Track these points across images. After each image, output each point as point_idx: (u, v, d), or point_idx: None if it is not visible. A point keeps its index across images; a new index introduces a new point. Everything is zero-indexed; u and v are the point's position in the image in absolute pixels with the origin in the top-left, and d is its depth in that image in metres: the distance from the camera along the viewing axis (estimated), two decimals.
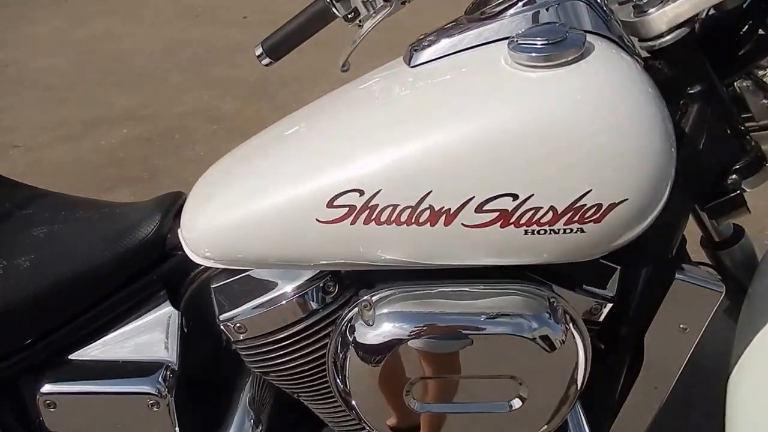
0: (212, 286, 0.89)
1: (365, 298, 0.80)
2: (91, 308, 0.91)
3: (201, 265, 0.90)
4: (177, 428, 0.92)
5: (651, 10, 0.77)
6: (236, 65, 3.31)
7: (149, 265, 0.92)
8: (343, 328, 0.81)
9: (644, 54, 0.82)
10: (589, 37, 0.72)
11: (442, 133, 0.71)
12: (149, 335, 0.92)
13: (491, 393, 0.80)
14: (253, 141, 0.91)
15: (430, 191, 0.70)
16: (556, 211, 0.69)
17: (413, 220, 0.72)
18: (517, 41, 0.72)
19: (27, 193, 1.05)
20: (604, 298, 0.84)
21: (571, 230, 0.71)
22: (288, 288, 0.87)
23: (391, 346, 0.77)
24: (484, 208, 0.70)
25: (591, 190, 0.68)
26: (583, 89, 0.70)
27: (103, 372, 0.90)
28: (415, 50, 0.82)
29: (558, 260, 0.75)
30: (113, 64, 3.62)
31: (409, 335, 0.76)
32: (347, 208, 0.73)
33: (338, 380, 0.82)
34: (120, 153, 2.84)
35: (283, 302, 0.86)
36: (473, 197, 0.70)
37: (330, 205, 0.73)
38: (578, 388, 0.81)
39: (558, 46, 0.70)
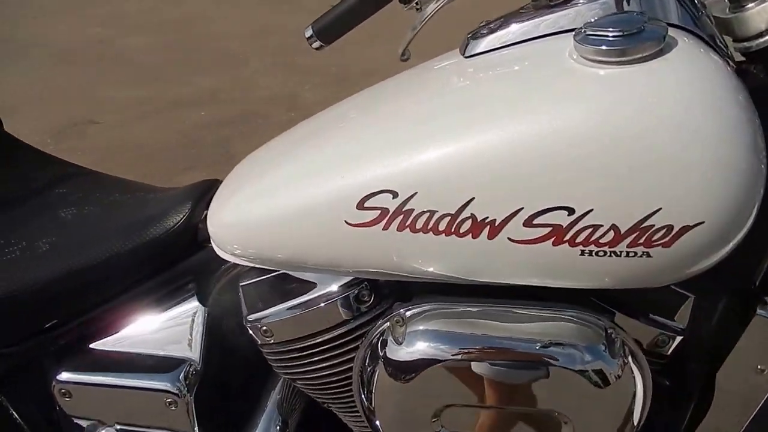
0: (240, 284, 0.84)
1: (398, 312, 0.73)
2: (114, 298, 0.88)
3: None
4: (196, 427, 0.88)
5: (750, 5, 0.67)
6: (321, 54, 3.29)
7: (177, 256, 0.88)
8: (374, 341, 0.74)
9: (738, 56, 0.71)
10: (672, 32, 0.62)
11: (490, 134, 0.63)
12: (173, 330, 0.88)
13: (531, 429, 0.71)
14: (292, 132, 0.85)
15: (473, 198, 0.62)
16: (619, 230, 0.60)
17: (453, 230, 0.64)
18: (584, 32, 0.62)
19: (63, 170, 1.03)
20: (673, 329, 0.74)
21: (636, 254, 0.61)
22: (320, 293, 0.80)
23: (422, 366, 0.69)
24: (534, 222, 0.62)
25: (660, 209, 0.58)
26: (659, 91, 0.60)
27: (122, 365, 0.87)
28: (472, 39, 0.74)
29: (619, 286, 0.65)
30: (201, 45, 3.68)
31: (442, 357, 0.69)
32: (379, 211, 0.66)
33: (363, 396, 0.75)
34: (199, 134, 2.87)
35: (314, 308, 0.80)
36: (522, 208, 0.61)
37: (360, 206, 0.66)
38: (634, 428, 0.71)
39: (632, 38, 0.60)
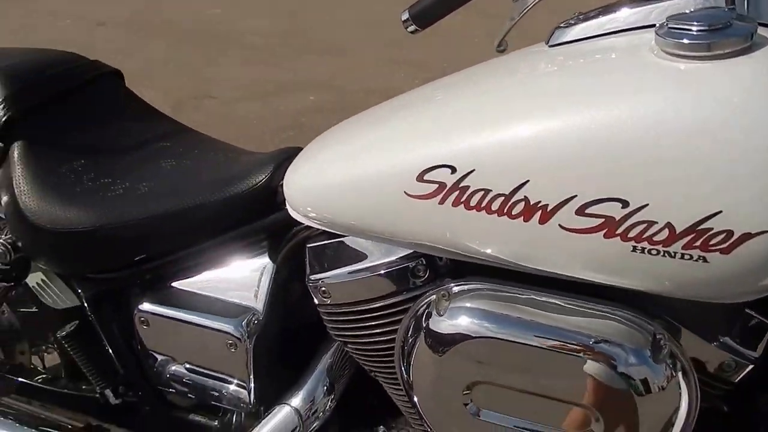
0: (307, 245, 0.89)
1: (446, 286, 0.74)
2: (196, 243, 0.96)
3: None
4: (251, 373, 0.94)
5: None
6: (433, 49, 3.35)
7: (256, 213, 0.94)
8: (419, 311, 0.76)
9: None
10: (763, 30, 0.59)
11: (554, 119, 0.63)
12: (243, 280, 0.95)
13: (558, 420, 0.70)
14: (375, 109, 0.89)
15: (527, 181, 0.63)
16: (674, 229, 0.58)
17: (505, 211, 0.65)
18: (667, 25, 0.61)
19: (171, 128, 1.13)
20: (744, 357, 0.70)
21: (691, 257, 0.59)
22: (378, 262, 0.83)
23: (459, 340, 0.70)
24: (587, 211, 0.61)
25: (721, 211, 0.56)
26: (739, 90, 0.57)
27: (195, 304, 0.95)
28: (559, 28, 0.74)
29: (674, 292, 0.63)
30: (317, 33, 3.85)
31: (480, 333, 0.69)
32: (437, 185, 0.68)
33: (403, 365, 0.77)
34: (302, 118, 3.00)
35: (370, 275, 0.83)
36: (575, 196, 0.61)
37: (420, 178, 0.69)
38: None
39: (717, 34, 0.58)
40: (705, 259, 0.59)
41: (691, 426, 0.68)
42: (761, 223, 0.56)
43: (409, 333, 0.76)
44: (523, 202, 0.64)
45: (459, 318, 0.71)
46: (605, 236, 0.61)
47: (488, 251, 0.69)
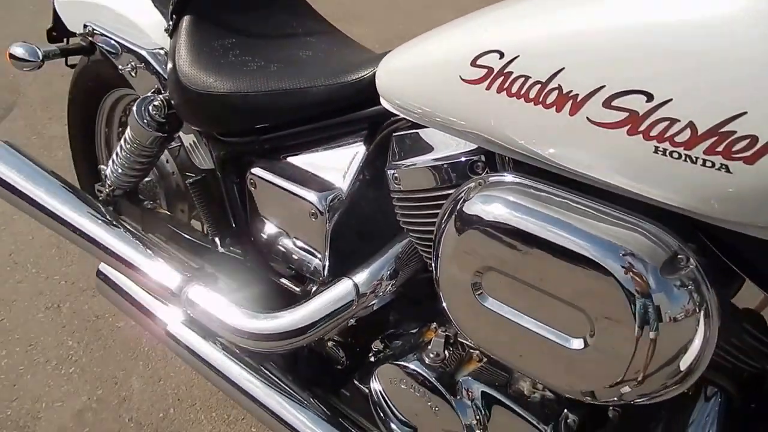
0: (393, 134, 0.96)
1: (485, 175, 0.76)
2: (306, 122, 1.08)
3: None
4: (326, 245, 1.05)
5: None
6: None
7: (359, 104, 1.03)
8: (456, 197, 0.80)
9: None
10: None
11: (592, 6, 0.62)
12: (337, 162, 1.05)
13: (556, 321, 0.70)
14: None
15: (563, 68, 0.63)
16: (696, 129, 0.55)
17: (540, 100, 0.66)
18: None
19: (321, 28, 1.26)
20: None
21: (713, 164, 0.55)
22: (445, 154, 0.88)
23: (478, 224, 0.73)
24: (613, 104, 0.60)
25: (746, 113, 0.52)
26: None
27: (294, 174, 1.08)
28: None
29: (696, 207, 0.59)
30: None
31: (499, 221, 0.71)
32: (486, 70, 0.70)
33: (435, 247, 0.81)
34: None
35: (434, 166, 0.89)
36: (604, 86, 0.60)
37: (473, 63, 0.72)
38: (670, 382, 0.65)
39: None
40: (728, 169, 0.55)
41: (697, 369, 0.64)
42: None
43: (445, 217, 0.79)
44: (556, 91, 0.64)
45: (484, 204, 0.73)
46: (629, 132, 0.60)
47: (522, 142, 0.70)
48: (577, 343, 0.69)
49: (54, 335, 1.86)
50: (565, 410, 0.88)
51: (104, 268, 1.42)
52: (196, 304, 1.16)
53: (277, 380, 1.19)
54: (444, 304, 0.82)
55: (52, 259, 2.12)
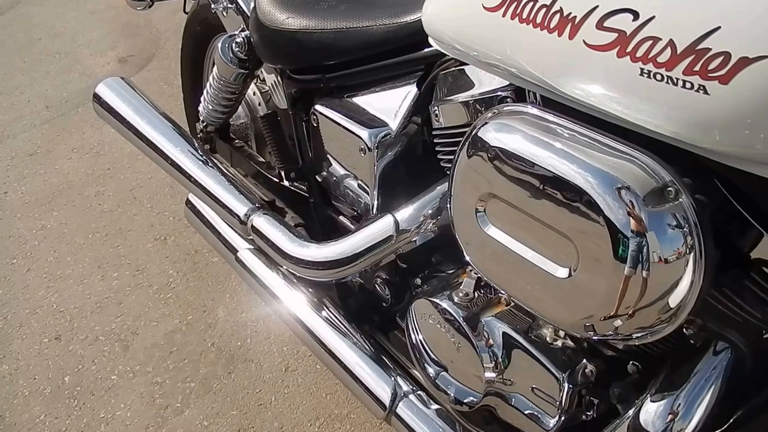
0: (440, 73, 1.01)
1: (501, 105, 0.79)
2: (368, 62, 1.15)
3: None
4: (374, 181, 1.12)
5: None
6: None
7: (416, 43, 1.08)
8: (473, 126, 0.82)
9: None
10: None
11: None
12: (390, 101, 1.12)
13: (545, 247, 0.72)
14: None
15: None
16: (675, 48, 0.56)
17: (545, 24, 0.68)
18: None
19: None
20: None
21: (692, 85, 0.56)
22: (479, 91, 0.93)
23: (485, 150, 0.77)
24: (605, 24, 0.62)
25: (719, 27, 0.52)
26: None
27: (351, 112, 1.16)
28: None
29: (680, 133, 0.60)
30: None
31: (504, 147, 0.74)
32: None
33: (449, 177, 0.86)
34: None
35: (469, 102, 0.93)
36: (597, 6, 0.62)
37: None
38: (663, 317, 0.66)
39: None
40: (705, 90, 0.55)
41: (684, 308, 0.64)
42: (760, 47, 0.50)
43: (461, 144, 0.83)
44: (558, 14, 0.66)
45: (493, 131, 0.76)
46: (618, 54, 0.61)
47: (532, 69, 0.72)
48: (562, 272, 0.71)
49: (158, 264, 2.11)
50: (584, 360, 0.90)
51: (192, 197, 1.60)
52: (258, 231, 1.28)
53: (329, 313, 1.29)
54: (455, 232, 0.86)
55: (165, 197, 2.38)
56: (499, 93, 0.88)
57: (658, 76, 0.58)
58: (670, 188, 0.63)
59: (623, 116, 0.64)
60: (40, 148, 2.69)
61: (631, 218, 0.63)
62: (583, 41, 0.64)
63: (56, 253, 2.18)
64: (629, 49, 0.60)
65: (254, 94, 1.59)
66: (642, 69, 0.59)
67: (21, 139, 2.74)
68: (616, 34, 0.60)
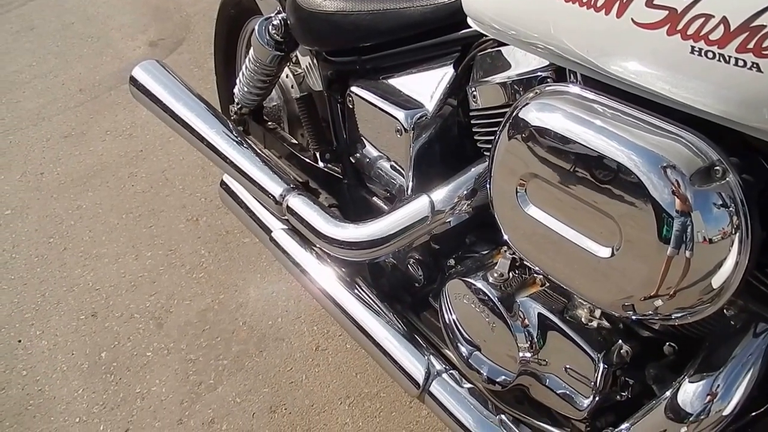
0: (478, 54, 1.00)
1: (543, 86, 0.79)
2: (404, 43, 1.15)
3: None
4: (410, 163, 1.13)
5: None
6: None
7: (453, 25, 1.08)
8: (513, 106, 0.82)
9: None
10: None
11: None
12: (427, 83, 1.12)
13: (586, 227, 0.72)
14: None
15: None
16: (728, 26, 0.55)
17: (592, 2, 0.68)
18: None
19: None
20: None
21: (744, 63, 0.55)
22: (518, 71, 0.92)
23: (526, 129, 0.77)
24: (655, 2, 0.61)
25: None
26: None
27: (387, 93, 1.16)
28: None
29: (730, 111, 0.59)
30: None
31: (545, 126, 0.74)
32: None
33: (489, 157, 0.86)
34: None
35: (508, 82, 0.93)
36: None
37: None
38: (705, 298, 0.65)
39: None
40: (758, 68, 0.54)
41: (728, 288, 0.64)
42: None
43: (502, 125, 0.83)
44: None
45: (536, 110, 0.76)
46: (668, 32, 0.61)
47: (577, 49, 0.72)
48: (604, 252, 0.71)
49: (190, 244, 2.14)
50: (620, 341, 0.90)
51: (227, 178, 1.62)
52: (293, 211, 1.29)
53: (362, 292, 1.30)
54: (494, 212, 0.86)
55: (196, 178, 2.41)
56: (539, 73, 0.87)
57: (710, 54, 0.57)
58: (717, 167, 0.63)
59: (670, 95, 0.63)
60: (75, 130, 2.73)
61: (676, 197, 0.63)
62: (632, 19, 0.63)
63: (91, 232, 2.22)
64: (680, 26, 0.59)
65: (287, 76, 1.59)
66: (693, 47, 0.59)
67: (56, 122, 2.79)
68: (667, 12, 0.60)
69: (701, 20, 0.57)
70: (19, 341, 1.87)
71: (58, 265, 2.10)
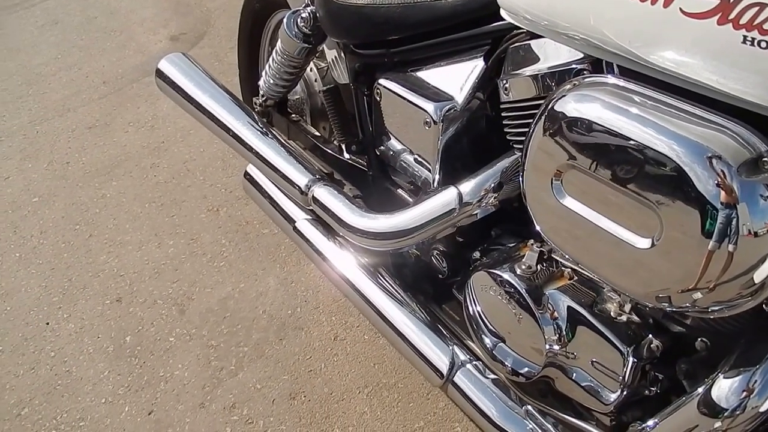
0: (510, 46, 0.98)
1: (581, 76, 0.77)
2: (433, 36, 1.12)
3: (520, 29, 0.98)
4: (438, 155, 1.11)
5: None
6: None
7: (483, 18, 1.06)
8: (549, 98, 0.80)
9: None
10: None
11: None
12: (457, 75, 1.10)
13: (626, 218, 0.69)
14: None
15: None
16: None
17: None
18: None
19: None
20: None
21: None
22: (549, 64, 0.90)
23: (564, 119, 0.74)
24: None
25: None
26: None
27: (415, 86, 1.14)
28: None
29: None
30: None
31: (585, 117, 0.72)
32: None
33: (523, 149, 0.83)
34: None
35: (541, 74, 0.90)
36: None
37: None
38: (745, 293, 0.63)
39: None
40: None
41: (767, 288, 0.61)
42: None
43: (537, 116, 0.81)
44: None
45: (574, 101, 0.74)
46: (719, 22, 0.58)
47: (618, 40, 0.70)
48: (644, 243, 0.68)
49: (211, 233, 2.12)
50: (650, 335, 0.88)
51: (251, 169, 1.60)
52: (318, 201, 1.27)
53: (386, 283, 1.28)
54: (527, 204, 0.84)
55: (217, 169, 2.40)
56: (574, 66, 0.85)
57: (764, 44, 0.55)
58: (766, 158, 0.61)
59: (718, 86, 0.61)
60: (99, 122, 2.72)
61: (722, 189, 0.61)
62: (680, 9, 0.61)
63: (116, 220, 2.21)
64: (732, 16, 0.57)
65: (311, 70, 1.57)
66: (745, 37, 0.56)
67: (80, 113, 2.78)
68: (718, 1, 0.57)
69: (755, 9, 0.55)
70: (47, 324, 1.87)
71: (83, 252, 2.09)
